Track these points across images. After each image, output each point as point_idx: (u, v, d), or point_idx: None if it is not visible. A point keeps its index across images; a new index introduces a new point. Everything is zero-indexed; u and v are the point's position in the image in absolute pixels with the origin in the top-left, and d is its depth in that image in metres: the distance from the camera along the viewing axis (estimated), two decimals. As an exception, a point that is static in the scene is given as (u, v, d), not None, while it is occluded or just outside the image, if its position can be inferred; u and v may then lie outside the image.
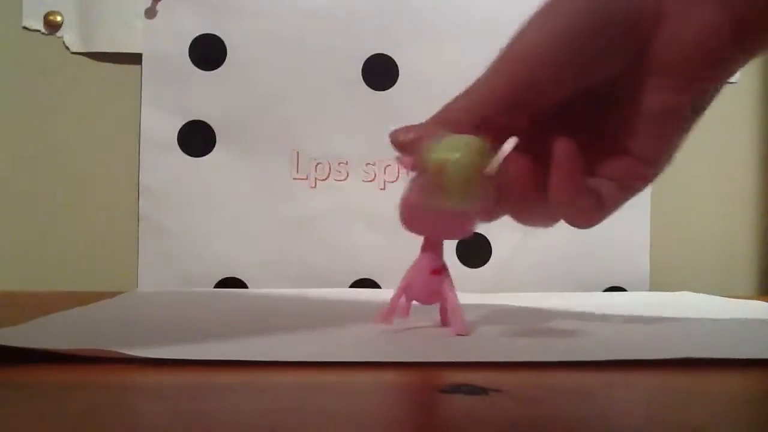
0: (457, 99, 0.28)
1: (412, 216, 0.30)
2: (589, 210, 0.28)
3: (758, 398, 0.23)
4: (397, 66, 0.60)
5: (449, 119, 0.28)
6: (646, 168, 0.28)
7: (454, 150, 0.27)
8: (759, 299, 0.53)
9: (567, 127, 0.28)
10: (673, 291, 0.60)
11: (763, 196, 0.67)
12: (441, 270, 0.32)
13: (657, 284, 0.63)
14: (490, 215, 0.31)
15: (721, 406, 0.21)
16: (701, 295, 0.57)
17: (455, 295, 0.32)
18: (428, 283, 0.32)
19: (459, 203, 0.27)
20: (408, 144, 0.29)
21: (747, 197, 0.67)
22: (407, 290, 0.32)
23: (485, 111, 0.27)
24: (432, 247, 0.32)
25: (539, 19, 0.27)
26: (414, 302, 0.34)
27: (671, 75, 0.26)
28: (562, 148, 0.27)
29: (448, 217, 0.29)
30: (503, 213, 0.30)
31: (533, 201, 0.29)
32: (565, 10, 0.26)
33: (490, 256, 0.61)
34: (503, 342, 0.31)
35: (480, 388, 0.21)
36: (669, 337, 0.33)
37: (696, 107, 0.28)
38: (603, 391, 0.22)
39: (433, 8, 0.60)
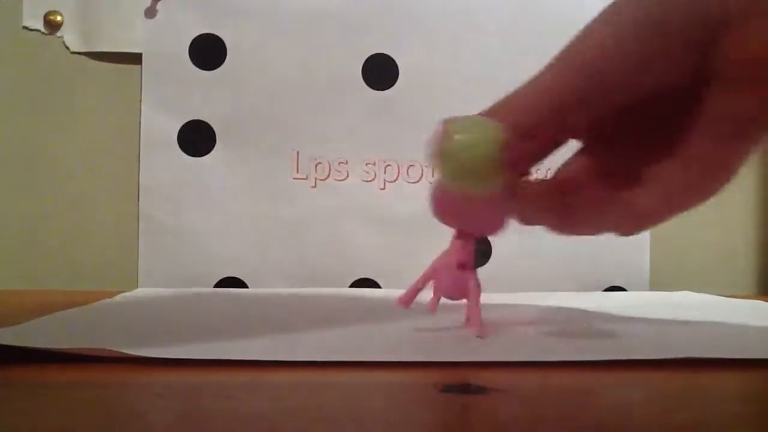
0: (521, 88, 0.27)
1: (438, 204, 0.30)
2: (624, 221, 0.28)
3: (758, 398, 0.23)
4: (397, 66, 0.60)
5: (514, 106, 0.27)
6: (697, 180, 0.27)
7: (463, 130, 0.26)
8: (759, 299, 0.53)
9: (624, 137, 0.28)
10: (673, 291, 0.60)
11: (763, 196, 0.67)
12: (467, 265, 0.31)
13: (657, 284, 0.63)
14: (528, 218, 0.30)
15: (721, 406, 0.21)
16: (701, 294, 0.57)
17: (477, 294, 0.31)
18: (453, 276, 0.31)
19: (459, 183, 0.27)
20: None
21: (747, 197, 0.67)
22: (434, 279, 0.32)
23: (549, 102, 0.27)
24: (462, 239, 0.31)
25: (604, 18, 0.26)
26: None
27: (734, 82, 0.25)
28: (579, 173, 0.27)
29: (474, 207, 0.29)
30: (543, 219, 0.30)
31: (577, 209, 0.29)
32: (630, 11, 0.26)
33: (490, 256, 0.61)
34: (503, 342, 0.30)
35: (480, 387, 0.21)
36: (669, 337, 0.33)
37: (759, 120, 0.25)
38: (603, 391, 0.22)
39: (433, 8, 0.60)
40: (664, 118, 0.28)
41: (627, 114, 0.27)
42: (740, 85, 0.25)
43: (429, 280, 0.32)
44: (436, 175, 0.28)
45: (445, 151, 0.26)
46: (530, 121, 0.27)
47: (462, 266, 0.31)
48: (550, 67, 0.27)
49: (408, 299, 0.32)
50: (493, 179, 0.27)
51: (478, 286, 0.32)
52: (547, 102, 0.26)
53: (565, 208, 0.29)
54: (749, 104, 0.25)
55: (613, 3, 0.26)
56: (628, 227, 0.29)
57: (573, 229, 0.29)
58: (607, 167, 0.29)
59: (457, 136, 0.26)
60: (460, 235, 0.31)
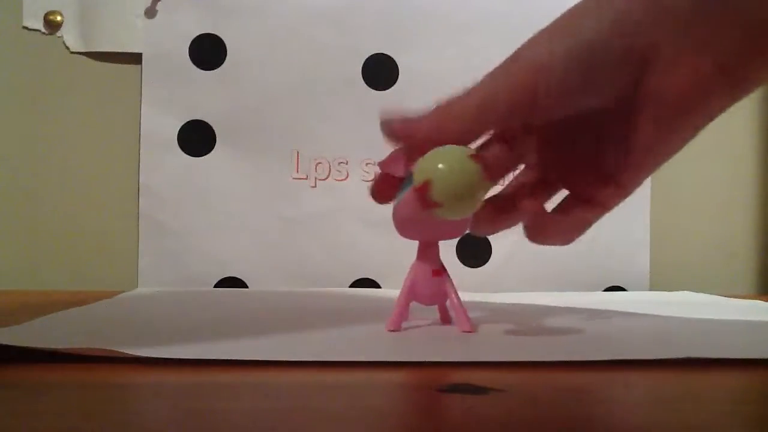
0: (459, 95, 0.28)
1: (404, 225, 0.31)
2: (561, 235, 0.30)
3: (758, 398, 0.23)
4: (397, 66, 0.60)
5: (450, 113, 0.28)
6: (624, 192, 0.30)
7: (440, 162, 0.26)
8: (759, 299, 0.53)
9: (564, 152, 0.30)
10: (672, 290, 0.60)
11: (763, 195, 0.67)
12: (441, 271, 0.32)
13: (657, 284, 0.63)
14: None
15: (721, 406, 0.21)
16: (701, 294, 0.57)
17: (457, 294, 0.32)
18: (431, 285, 0.32)
19: (449, 214, 0.27)
20: (396, 132, 0.28)
21: (747, 197, 0.67)
22: (411, 294, 0.33)
23: (488, 110, 0.27)
24: (429, 249, 0.32)
25: (545, 35, 0.27)
26: (412, 303, 0.34)
27: (659, 113, 0.27)
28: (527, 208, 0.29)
29: (439, 223, 0.29)
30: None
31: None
32: (569, 33, 0.27)
33: (490, 256, 0.61)
34: (503, 342, 0.31)
35: (480, 387, 0.21)
36: (669, 337, 0.33)
37: (683, 142, 0.28)
38: (603, 391, 0.22)
39: (433, 8, 0.60)
40: (602, 144, 0.29)
41: (566, 136, 0.29)
42: (667, 117, 0.27)
43: (409, 298, 0.33)
44: (410, 206, 0.28)
45: (426, 187, 0.26)
46: (464, 128, 0.27)
47: (437, 273, 0.32)
48: (492, 75, 0.28)
49: (397, 323, 0.33)
50: (479, 201, 0.27)
51: (454, 286, 0.33)
52: (487, 106, 0.27)
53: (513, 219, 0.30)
54: (677, 134, 0.28)
55: (553, 24, 0.27)
56: (563, 240, 0.30)
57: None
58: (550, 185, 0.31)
59: (436, 170, 0.26)
60: (425, 245, 0.32)
